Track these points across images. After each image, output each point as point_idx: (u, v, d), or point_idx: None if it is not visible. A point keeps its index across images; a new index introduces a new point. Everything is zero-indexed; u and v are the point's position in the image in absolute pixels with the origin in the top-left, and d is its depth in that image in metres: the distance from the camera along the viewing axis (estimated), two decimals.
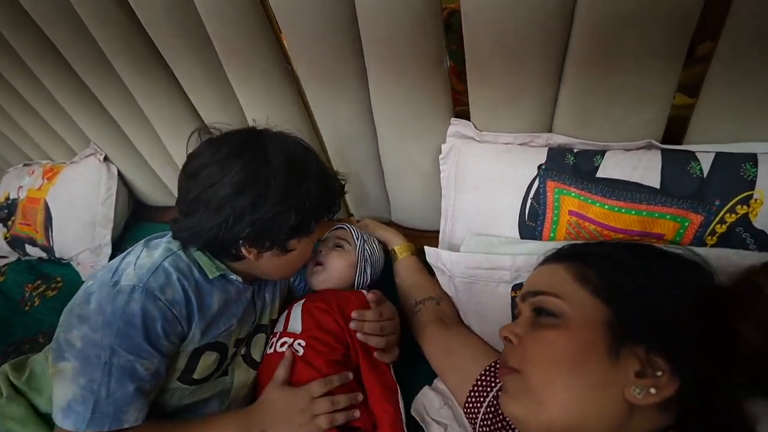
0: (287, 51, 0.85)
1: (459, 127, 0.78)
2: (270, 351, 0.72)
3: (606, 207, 0.61)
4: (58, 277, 1.30)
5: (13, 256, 1.45)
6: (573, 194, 0.64)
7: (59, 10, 0.94)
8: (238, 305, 0.66)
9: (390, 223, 1.07)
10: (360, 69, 0.77)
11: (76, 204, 1.31)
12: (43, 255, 1.36)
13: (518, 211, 0.69)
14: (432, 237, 0.93)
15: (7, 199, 1.47)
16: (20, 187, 1.45)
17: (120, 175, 1.36)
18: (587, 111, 0.65)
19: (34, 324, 1.14)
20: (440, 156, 0.81)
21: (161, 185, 1.37)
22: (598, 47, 0.57)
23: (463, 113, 0.80)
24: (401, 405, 0.65)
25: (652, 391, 0.37)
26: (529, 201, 0.68)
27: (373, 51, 0.72)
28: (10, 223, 1.41)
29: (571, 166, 0.65)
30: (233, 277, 0.65)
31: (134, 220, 1.44)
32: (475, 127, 0.76)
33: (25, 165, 1.56)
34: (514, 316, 0.63)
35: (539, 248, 0.63)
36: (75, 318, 0.55)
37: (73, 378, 0.52)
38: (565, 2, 0.56)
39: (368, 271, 0.82)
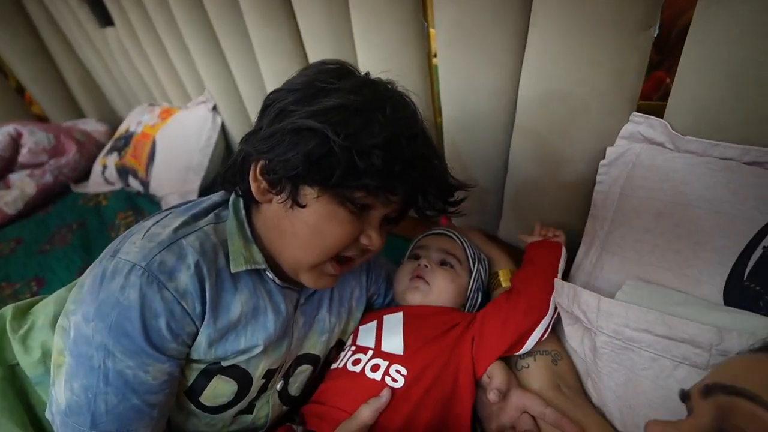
0: (429, 4, 0.71)
1: (642, 126, 0.56)
2: (355, 369, 0.52)
3: None
4: (146, 212, 1.32)
5: (119, 185, 1.54)
6: None
7: None
8: (270, 318, 0.48)
9: (495, 239, 0.86)
10: (522, 24, 0.58)
11: (178, 147, 1.33)
12: (140, 189, 1.41)
13: (732, 263, 0.44)
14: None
15: (127, 131, 1.56)
16: (139, 122, 1.53)
17: (223, 127, 1.35)
18: None
19: None
20: (602, 161, 0.59)
21: None
22: None
23: (647, 110, 0.57)
24: None
25: None
26: (759, 251, 0.43)
27: (546, 2, 0.53)
28: (123, 153, 1.49)
29: None
30: (269, 275, 0.48)
31: None
32: (672, 128, 0.53)
33: (149, 105, 1.67)
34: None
35: None
36: (79, 293, 0.42)
37: (67, 379, 0.40)
38: None
39: (478, 301, 0.63)
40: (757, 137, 0.47)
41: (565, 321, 0.55)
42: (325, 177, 0.41)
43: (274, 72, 1.04)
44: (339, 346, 0.60)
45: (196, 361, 0.45)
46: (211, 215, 0.48)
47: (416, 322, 0.56)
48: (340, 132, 0.39)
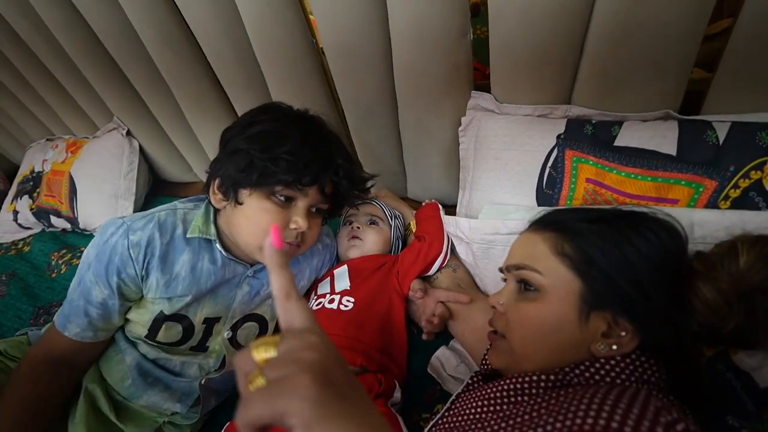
0: (314, 27, 0.88)
1: (479, 100, 0.81)
2: (317, 308, 0.72)
3: (622, 174, 0.63)
4: (82, 247, 1.34)
5: (38, 228, 1.49)
6: (591, 162, 0.66)
7: None
8: (204, 276, 0.65)
9: (405, 199, 1.10)
10: (385, 41, 0.79)
11: (100, 177, 1.35)
12: (68, 226, 1.40)
13: (536, 180, 0.72)
14: (447, 211, 0.96)
15: (32, 172, 1.51)
16: (45, 160, 1.49)
17: (141, 149, 1.40)
18: (606, 84, 0.67)
19: (62, 289, 1.18)
20: (460, 128, 0.84)
21: (181, 161, 1.41)
22: (618, 23, 0.59)
23: (482, 88, 0.83)
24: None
25: (615, 347, 0.42)
26: (547, 170, 0.71)
27: (398, 21, 0.74)
28: (35, 195, 1.45)
29: (589, 136, 0.67)
30: (217, 246, 0.66)
31: (153, 194, 1.47)
32: (496, 99, 0.79)
33: (47, 140, 1.61)
34: None
35: None
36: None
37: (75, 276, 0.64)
38: None
39: (399, 246, 0.86)
40: (545, 98, 0.73)
41: (455, 242, 0.80)
42: (251, 179, 0.58)
43: (187, 93, 1.13)
44: None
45: (150, 305, 0.64)
46: (191, 204, 0.68)
47: (357, 267, 0.77)
48: (258, 148, 0.58)
